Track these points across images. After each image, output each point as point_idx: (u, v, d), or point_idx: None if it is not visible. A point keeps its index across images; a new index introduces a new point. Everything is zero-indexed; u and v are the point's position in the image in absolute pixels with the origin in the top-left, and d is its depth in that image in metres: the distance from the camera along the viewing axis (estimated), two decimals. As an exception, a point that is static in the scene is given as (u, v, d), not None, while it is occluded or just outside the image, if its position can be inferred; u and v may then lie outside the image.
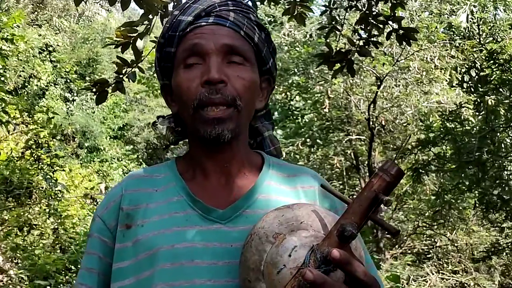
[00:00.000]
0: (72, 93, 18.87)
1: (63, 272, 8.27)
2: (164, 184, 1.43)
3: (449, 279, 11.10)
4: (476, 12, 9.81)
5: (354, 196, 1.17)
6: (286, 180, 1.46)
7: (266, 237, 1.21)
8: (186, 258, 1.31)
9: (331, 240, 1.12)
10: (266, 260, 1.18)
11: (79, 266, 8.03)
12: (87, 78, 19.01)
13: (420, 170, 9.03)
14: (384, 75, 11.17)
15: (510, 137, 8.63)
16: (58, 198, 9.36)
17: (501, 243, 11.42)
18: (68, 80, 18.61)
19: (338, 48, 4.95)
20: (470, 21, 9.83)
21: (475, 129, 8.88)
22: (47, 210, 9.17)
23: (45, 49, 17.67)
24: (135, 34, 3.71)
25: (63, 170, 10.91)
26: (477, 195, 9.21)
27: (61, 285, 7.92)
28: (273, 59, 1.51)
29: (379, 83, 11.35)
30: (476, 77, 10.43)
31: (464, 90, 11.01)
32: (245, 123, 1.44)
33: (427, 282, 10.82)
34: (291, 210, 1.24)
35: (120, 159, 19.16)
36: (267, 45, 1.48)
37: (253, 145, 1.59)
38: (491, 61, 9.06)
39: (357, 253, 1.21)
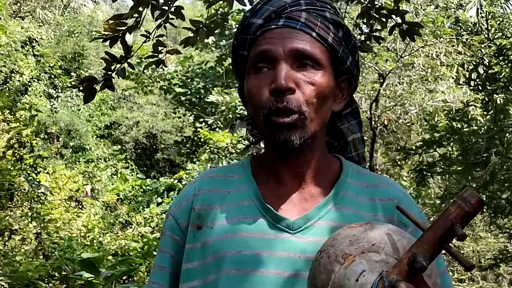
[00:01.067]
0: (56, 90, 18.83)
1: (46, 280, 8.26)
2: (237, 186, 1.47)
3: None
4: (485, 6, 9.84)
5: (429, 224, 1.16)
6: (364, 191, 1.47)
7: (335, 256, 1.21)
8: (252, 265, 1.35)
9: (401, 268, 1.12)
10: (333, 281, 1.18)
11: (63, 273, 8.03)
12: (73, 74, 18.99)
13: (425, 172, 9.06)
14: (387, 72, 11.19)
15: (520, 138, 8.66)
16: (41, 200, 9.36)
17: (510, 250, 11.46)
18: (53, 76, 18.57)
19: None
20: (479, 15, 9.86)
21: (482, 129, 8.91)
22: (29, 213, 9.16)
23: (28, 42, 17.64)
24: (124, 28, 3.71)
25: (47, 173, 10.90)
26: (484, 199, 9.24)
27: (44, 293, 7.91)
28: (354, 57, 1.51)
29: (381, 81, 11.37)
30: (484, 74, 10.46)
31: (472, 88, 11.04)
32: (319, 129, 1.44)
33: (431, 290, 10.82)
34: (363, 229, 1.24)
35: (107, 160, 19.12)
36: (345, 44, 1.47)
37: (336, 148, 1.61)
38: (500, 58, 9.09)
39: (431, 280, 1.20)
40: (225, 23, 4.93)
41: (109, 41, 3.73)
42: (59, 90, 18.89)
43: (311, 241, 1.35)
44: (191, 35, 4.56)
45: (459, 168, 9.09)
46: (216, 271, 1.37)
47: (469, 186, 1.22)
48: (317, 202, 1.42)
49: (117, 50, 4.90)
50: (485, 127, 8.92)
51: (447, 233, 1.12)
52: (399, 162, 11.63)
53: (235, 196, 1.45)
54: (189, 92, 16.72)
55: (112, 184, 15.82)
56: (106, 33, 3.68)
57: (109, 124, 21.03)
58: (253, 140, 1.59)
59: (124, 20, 3.73)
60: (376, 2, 4.79)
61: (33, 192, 8.98)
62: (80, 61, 20.03)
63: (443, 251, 1.15)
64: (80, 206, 12.05)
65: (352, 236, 1.23)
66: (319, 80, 1.39)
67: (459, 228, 1.10)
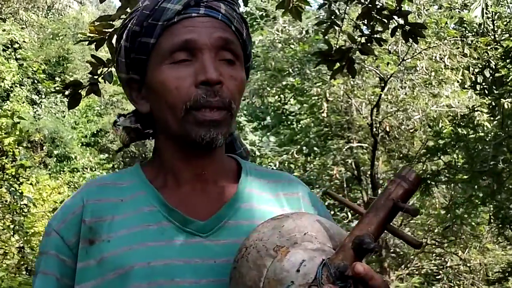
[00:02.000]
0: (40, 95, 18.83)
1: (29, 296, 8.23)
2: (131, 193, 1.40)
3: (461, 303, 11.13)
4: (491, 6, 9.88)
5: (368, 206, 1.18)
6: (267, 187, 1.46)
7: (266, 250, 1.19)
8: (165, 276, 1.29)
9: (345, 253, 1.12)
10: (267, 276, 1.17)
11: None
12: (57, 79, 19.00)
13: (429, 181, 9.07)
14: (388, 76, 11.21)
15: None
16: (24, 213, 9.32)
17: (519, 262, 11.47)
18: (36, 81, 18.58)
19: (337, 46, 4.96)
20: (485, 15, 9.90)
21: (489, 135, 8.92)
22: (12, 226, 9.12)
23: (9, 45, 17.64)
24: (111, 30, 3.71)
25: (31, 184, 10.89)
26: (492, 209, 9.25)
27: (27, 310, 7.88)
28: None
29: (383, 85, 11.39)
30: (491, 78, 10.50)
31: (478, 92, 11.07)
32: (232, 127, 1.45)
33: (436, 306, 10.84)
34: (291, 220, 1.24)
35: (94, 169, 19.12)
36: (250, 40, 1.48)
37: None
38: (507, 60, 9.11)
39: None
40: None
41: (95, 43, 3.73)
42: (43, 96, 18.89)
43: (225, 243, 1.33)
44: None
45: (465, 177, 9.10)
46: None
47: (405, 165, 1.27)
48: (224, 201, 1.39)
49: (104, 53, 4.90)
50: (492, 133, 8.94)
51: (390, 213, 1.14)
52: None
53: (131, 204, 1.37)
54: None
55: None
56: (92, 35, 3.68)
57: (95, 132, 21.04)
58: (128, 141, 1.50)
59: (111, 22, 3.73)
60: (377, 2, 4.80)
61: (15, 204, 8.95)
62: (65, 65, 20.06)
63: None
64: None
65: (281, 227, 1.22)
66: (240, 76, 1.38)
67: (406, 204, 1.13)
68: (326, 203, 10.25)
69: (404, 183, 1.16)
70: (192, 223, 1.34)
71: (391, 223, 1.16)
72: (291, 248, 1.18)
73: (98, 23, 3.68)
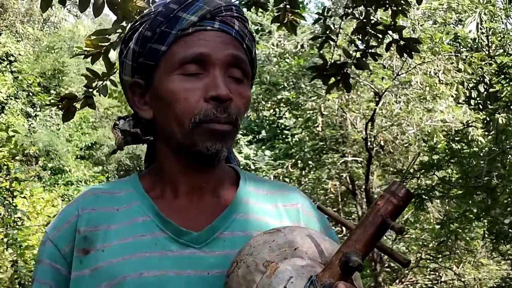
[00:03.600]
0: (34, 108, 18.81)
1: (22, 310, 8.18)
2: (127, 203, 1.40)
3: (456, 318, 11.11)
4: (485, 21, 9.93)
5: (358, 221, 1.17)
6: (265, 198, 1.46)
7: (255, 265, 1.19)
8: (157, 287, 1.28)
9: (332, 271, 1.12)
10: None
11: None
12: (52, 92, 18.98)
13: (423, 196, 9.05)
14: (383, 91, 11.24)
15: (523, 160, 8.69)
16: (17, 226, 9.28)
17: (513, 277, 11.46)
18: (31, 94, 18.56)
19: (332, 60, 4.98)
20: (479, 31, 9.94)
21: (484, 150, 8.93)
22: (5, 240, 9.08)
23: (5, 58, 17.64)
24: (107, 44, 3.71)
25: (24, 197, 10.84)
26: (486, 224, 9.24)
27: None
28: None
29: (377, 99, 11.42)
30: (485, 93, 10.53)
31: (472, 107, 11.11)
32: None
33: (431, 321, 10.81)
34: (282, 234, 1.23)
35: (88, 182, 19.07)
36: (256, 58, 1.49)
37: None
38: (502, 76, 9.15)
39: (357, 283, 1.21)
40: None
41: (91, 57, 3.73)
42: (38, 109, 18.87)
43: (220, 255, 1.32)
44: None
45: (459, 192, 9.10)
46: None
47: (394, 179, 1.25)
48: (220, 212, 1.38)
49: (99, 66, 4.90)
50: (486, 148, 8.95)
51: (379, 230, 1.12)
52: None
53: (126, 214, 1.37)
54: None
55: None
56: (89, 49, 3.68)
57: (90, 145, 21.01)
58: (123, 143, 1.49)
59: (107, 36, 3.73)
60: (372, 18, 4.83)
61: (9, 217, 8.91)
62: (60, 78, 20.05)
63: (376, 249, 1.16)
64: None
65: (271, 242, 1.21)
66: (247, 94, 1.40)
67: (392, 221, 1.11)
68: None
69: (393, 199, 1.14)
70: (186, 234, 1.34)
71: (380, 240, 1.15)
72: (280, 264, 1.17)
73: (94, 37, 3.68)
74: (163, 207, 1.38)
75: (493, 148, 8.57)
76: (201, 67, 1.34)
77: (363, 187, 12.17)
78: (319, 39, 5.08)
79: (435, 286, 12.52)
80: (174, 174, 1.41)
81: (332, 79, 4.73)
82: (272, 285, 1.14)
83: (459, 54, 11.23)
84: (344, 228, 12.11)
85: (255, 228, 1.35)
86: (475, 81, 10.89)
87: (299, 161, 12.91)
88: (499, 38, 10.44)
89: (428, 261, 12.69)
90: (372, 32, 4.71)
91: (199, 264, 1.31)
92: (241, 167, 1.62)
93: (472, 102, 11.21)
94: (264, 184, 1.50)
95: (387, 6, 4.76)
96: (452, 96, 11.21)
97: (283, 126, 15.12)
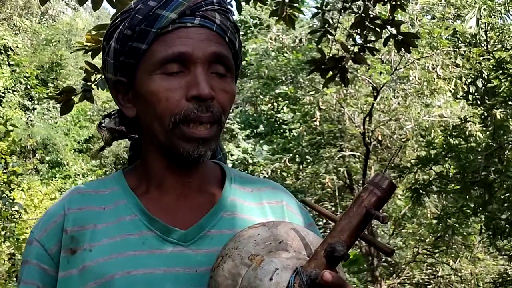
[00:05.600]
0: (32, 101, 18.79)
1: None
2: (113, 201, 1.39)
3: (452, 312, 11.14)
4: (484, 16, 9.92)
5: (342, 213, 1.18)
6: (251, 195, 1.46)
7: (240, 259, 1.20)
8: (145, 286, 1.29)
9: (318, 261, 1.13)
10: (241, 285, 1.18)
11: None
12: (50, 84, 18.97)
13: (421, 191, 9.07)
14: (381, 85, 11.25)
15: (520, 155, 8.71)
16: (15, 219, 9.29)
17: (510, 273, 11.48)
18: (29, 86, 18.54)
19: (330, 55, 4.98)
20: (479, 26, 9.94)
21: (481, 145, 8.95)
22: (3, 233, 9.09)
23: (2, 51, 17.61)
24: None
25: (22, 190, 10.86)
26: (483, 219, 9.26)
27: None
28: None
29: (375, 94, 11.43)
30: (483, 88, 10.53)
31: (470, 102, 11.11)
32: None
33: (427, 316, 10.84)
34: (267, 228, 1.25)
35: (86, 176, 19.08)
36: (241, 48, 1.47)
37: None
38: (500, 71, 9.15)
39: (341, 273, 1.22)
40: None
41: (91, 52, 3.73)
42: (35, 102, 18.86)
43: (207, 252, 1.32)
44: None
45: (457, 187, 9.12)
46: None
47: (378, 171, 1.26)
48: (207, 209, 1.38)
49: (97, 60, 4.90)
50: (484, 143, 8.96)
51: (363, 221, 1.14)
52: (393, 180, 11.65)
53: (112, 212, 1.37)
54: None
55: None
56: (89, 44, 3.68)
57: (87, 138, 21.00)
58: (110, 141, 1.48)
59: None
60: (370, 12, 4.83)
61: (6, 210, 8.92)
62: (58, 71, 20.03)
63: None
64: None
65: (256, 236, 1.23)
66: (231, 89, 1.38)
67: (375, 211, 1.13)
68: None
69: (377, 190, 1.15)
70: (173, 232, 1.34)
71: (364, 231, 1.16)
72: (266, 257, 1.19)
73: (95, 32, 3.69)
74: (150, 205, 1.38)
75: (490, 144, 8.59)
76: (182, 66, 1.33)
77: (361, 181, 12.18)
78: (318, 33, 5.09)
79: (432, 281, 12.54)
80: (158, 170, 1.40)
81: (330, 73, 4.73)
82: (258, 277, 1.15)
83: (457, 49, 11.23)
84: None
85: (242, 225, 1.34)
86: (473, 76, 10.88)
87: (297, 156, 12.92)
88: (497, 34, 10.43)
89: (425, 256, 12.72)
90: (371, 26, 4.72)
91: (187, 262, 1.32)
92: (239, 161, 1.62)
93: (470, 97, 11.21)
94: (249, 181, 1.50)
95: (386, 0, 4.76)
96: (450, 91, 11.21)
97: (281, 121, 15.13)
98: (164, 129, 1.33)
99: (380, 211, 1.16)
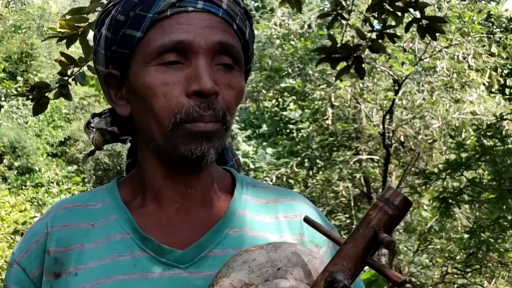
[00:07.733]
0: (-1, 98, 18.82)
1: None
2: (104, 217, 1.38)
3: None
4: (522, -3, 9.94)
5: (347, 235, 1.16)
6: (265, 208, 1.44)
7: None
8: None
9: None
10: None
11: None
12: (19, 78, 18.99)
13: (450, 201, 9.09)
14: (403, 78, 11.25)
15: None
16: (-21, 234, 9.32)
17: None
18: (-6, 81, 18.56)
19: (344, 42, 4.99)
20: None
21: (520, 147, 8.95)
22: (-35, 250, 9.12)
23: (-36, 40, 17.63)
24: (84, 24, 3.72)
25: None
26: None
27: None
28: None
29: (397, 88, 11.44)
30: (522, 81, 10.55)
31: (507, 97, 11.13)
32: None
33: None
34: (265, 252, 1.24)
35: (61, 183, 19.09)
36: (253, 39, 1.45)
37: None
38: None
39: None
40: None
41: (66, 40, 3.75)
42: (3, 99, 18.87)
43: (208, 276, 1.29)
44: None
45: (492, 196, 9.12)
46: None
47: (389, 185, 1.23)
48: (210, 226, 1.36)
49: (73, 49, 4.92)
50: (523, 145, 8.98)
51: (370, 244, 1.11)
52: (418, 188, 11.67)
53: (102, 230, 1.36)
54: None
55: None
56: (63, 30, 3.69)
57: (63, 140, 20.99)
58: (102, 144, 1.48)
59: (84, 15, 3.75)
60: (390, -7, 4.84)
61: (-31, 223, 8.96)
62: (29, 62, 20.04)
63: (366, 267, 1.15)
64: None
65: (251, 262, 1.22)
66: (238, 84, 1.36)
67: (384, 234, 1.09)
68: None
69: (388, 208, 1.11)
70: (168, 253, 1.33)
71: (371, 256, 1.13)
72: (261, 286, 1.18)
73: (70, 16, 3.70)
74: (145, 221, 1.37)
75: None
76: (181, 56, 1.31)
77: (380, 190, 12.19)
78: (329, 17, 5.09)
79: (463, 305, 12.56)
80: (156, 179, 1.39)
81: (343, 64, 4.73)
82: None
83: (492, 36, 11.25)
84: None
85: (251, 244, 1.31)
86: (510, 67, 10.91)
87: (306, 160, 12.91)
88: (538, 17, 10.46)
89: (455, 276, 12.73)
90: (390, 9, 4.72)
91: (183, 287, 1.31)
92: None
93: (507, 91, 11.24)
94: (264, 191, 1.48)
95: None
96: (484, 85, 11.23)
97: (287, 119, 15.12)
98: (163, 129, 1.31)
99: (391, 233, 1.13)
